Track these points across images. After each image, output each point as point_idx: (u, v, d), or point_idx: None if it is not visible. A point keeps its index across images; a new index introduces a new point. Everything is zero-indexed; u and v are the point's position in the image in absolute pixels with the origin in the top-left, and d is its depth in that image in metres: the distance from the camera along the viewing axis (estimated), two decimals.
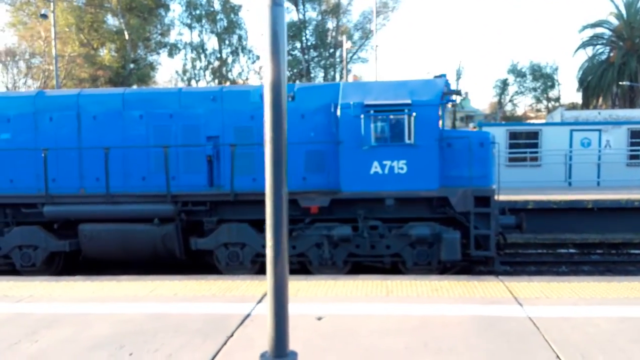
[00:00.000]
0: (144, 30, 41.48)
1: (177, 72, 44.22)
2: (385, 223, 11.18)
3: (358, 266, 11.47)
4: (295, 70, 43.58)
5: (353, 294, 6.60)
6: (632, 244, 14.18)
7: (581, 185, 18.52)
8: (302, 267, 11.46)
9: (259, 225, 11.35)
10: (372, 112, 10.82)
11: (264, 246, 11.27)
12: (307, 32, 43.18)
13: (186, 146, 11.45)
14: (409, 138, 10.75)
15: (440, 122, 12.19)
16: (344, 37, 33.86)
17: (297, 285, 6.98)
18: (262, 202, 11.04)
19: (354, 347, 4.85)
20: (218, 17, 43.62)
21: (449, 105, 14.49)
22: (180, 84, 43.75)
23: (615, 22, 45.41)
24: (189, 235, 11.60)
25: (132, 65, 42.91)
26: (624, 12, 44.50)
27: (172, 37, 44.08)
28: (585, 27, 45.75)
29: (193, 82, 43.10)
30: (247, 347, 4.80)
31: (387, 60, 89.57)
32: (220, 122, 11.49)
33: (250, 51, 44.59)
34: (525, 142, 19.70)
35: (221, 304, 6.18)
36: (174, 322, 5.53)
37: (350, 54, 44.61)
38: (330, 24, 43.65)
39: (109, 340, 5.00)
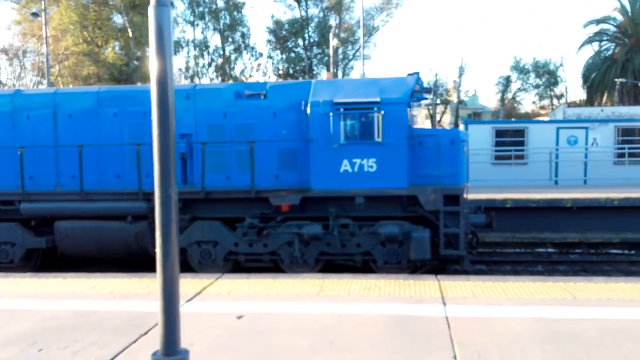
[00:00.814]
0: (147, 28, 41.67)
1: (179, 69, 44.51)
2: (357, 221, 11.19)
3: (330, 264, 11.51)
4: (297, 68, 43.62)
5: (286, 292, 6.67)
6: (611, 243, 14.06)
7: (567, 184, 18.39)
8: (275, 265, 11.51)
9: (232, 223, 11.44)
10: (341, 110, 10.82)
11: (236, 244, 11.39)
12: (310, 29, 43.14)
13: None
14: (378, 136, 10.75)
15: (426, 121, 12.20)
16: (331, 35, 33.77)
17: (235, 284, 7.06)
18: (234, 200, 11.10)
19: (258, 345, 4.92)
20: (221, 14, 43.74)
21: (432, 103, 14.44)
22: (184, 81, 43.93)
23: (621, 18, 44.87)
24: None
25: (135, 63, 43.16)
26: (628, 8, 43.95)
27: (176, 35, 44.18)
28: (590, 23, 45.26)
29: (196, 79, 43.28)
30: (157, 345, 4.85)
31: (390, 57, 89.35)
32: (193, 119, 11.56)
33: (253, 48, 44.71)
34: (511, 139, 19.59)
35: (151, 302, 6.25)
36: (96, 320, 5.64)
37: (353, 51, 44.65)
38: (333, 21, 43.58)
39: (26, 336, 5.11)
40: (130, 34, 42.14)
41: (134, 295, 6.69)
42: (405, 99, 10.83)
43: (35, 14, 30.94)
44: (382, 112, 10.68)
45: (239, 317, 5.61)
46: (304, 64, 43.20)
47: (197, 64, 43.79)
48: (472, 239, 11.88)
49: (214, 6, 43.83)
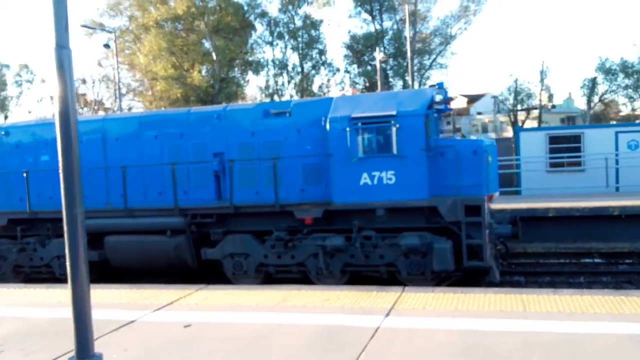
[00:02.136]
0: (230, 51, 43.65)
1: (260, 88, 46.14)
2: (381, 233, 11.30)
3: (358, 276, 11.67)
4: (373, 81, 43.85)
5: (247, 303, 7.02)
6: None
7: (630, 191, 17.19)
8: (304, 276, 11.85)
9: (262, 236, 11.94)
10: (359, 124, 11.03)
11: (265, 256, 11.86)
12: (385, 41, 43.29)
13: (195, 163, 12.28)
14: (395, 149, 10.83)
15: (443, 131, 12.17)
16: (377, 49, 33.55)
17: (209, 295, 7.50)
18: (262, 214, 11.62)
19: (183, 353, 5.27)
20: (298, 33, 44.97)
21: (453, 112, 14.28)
22: (265, 99, 45.51)
23: None
24: (203, 246, 12.40)
25: (220, 84, 45.27)
26: None
27: (257, 55, 45.97)
28: None
29: (276, 97, 44.70)
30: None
31: (469, 65, 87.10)
32: (224, 139, 12.21)
33: (330, 64, 45.55)
34: (566, 146, 18.64)
35: (129, 311, 6.78)
36: (65, 326, 6.25)
37: (430, 61, 44.23)
38: (408, 32, 43.42)
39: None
40: (215, 57, 44.29)
41: (116, 305, 7.32)
42: (421, 111, 10.85)
43: (107, 45, 33.49)
44: (398, 125, 10.76)
45: (186, 326, 6.03)
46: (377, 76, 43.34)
47: (276, 83, 45.23)
48: (502, 250, 11.59)
49: (291, 25, 45.14)
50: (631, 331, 5.49)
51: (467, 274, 11.38)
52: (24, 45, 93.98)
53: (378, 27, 43.18)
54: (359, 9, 42.76)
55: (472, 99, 70.29)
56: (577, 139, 18.75)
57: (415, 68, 43.67)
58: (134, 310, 6.94)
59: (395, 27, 43.29)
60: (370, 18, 42.94)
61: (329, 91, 45.35)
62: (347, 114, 11.13)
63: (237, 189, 11.93)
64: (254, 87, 49.69)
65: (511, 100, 44.94)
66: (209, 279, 12.08)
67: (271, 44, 45.60)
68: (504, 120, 51.10)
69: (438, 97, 11.56)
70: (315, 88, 45.91)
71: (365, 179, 11.09)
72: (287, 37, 45.95)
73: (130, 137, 12.82)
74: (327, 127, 11.24)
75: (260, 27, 44.95)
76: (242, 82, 47.08)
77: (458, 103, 73.74)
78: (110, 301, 7.68)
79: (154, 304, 7.27)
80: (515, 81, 44.75)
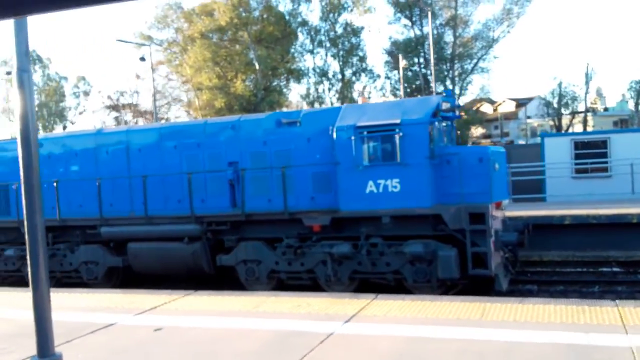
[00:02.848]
0: (272, 60, 44.42)
1: (300, 95, 46.73)
2: (387, 241, 11.40)
3: (367, 283, 11.81)
4: (414, 86, 43.73)
5: (224, 308, 7.40)
6: None
7: None
8: (315, 282, 12.07)
9: (274, 243, 12.24)
10: (365, 133, 11.20)
11: (277, 262, 12.16)
12: (426, 46, 43.05)
13: (211, 172, 12.72)
14: (399, 157, 10.94)
15: (449, 139, 12.20)
16: (400, 56, 33.25)
17: (190, 300, 7.93)
18: (273, 222, 12.01)
19: (135, 354, 5.58)
20: (339, 41, 45.33)
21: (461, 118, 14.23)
22: (306, 107, 46.02)
23: None
24: (219, 253, 12.82)
25: (262, 92, 46.08)
26: None
27: (298, 64, 46.55)
28: None
29: (316, 104, 45.15)
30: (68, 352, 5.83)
31: (512, 69, 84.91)
32: (238, 148, 12.60)
33: (370, 70, 45.66)
34: (592, 152, 18.10)
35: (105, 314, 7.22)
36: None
37: (472, 65, 43.68)
38: (450, 37, 43.13)
39: None
40: (257, 67, 45.14)
41: (104, 309, 7.79)
42: (425, 120, 10.92)
43: (142, 59, 34.69)
44: (402, 133, 10.87)
45: (156, 330, 6.38)
46: (418, 81, 43.16)
47: (316, 90, 45.71)
48: (510, 258, 11.49)
49: (332, 33, 45.56)
50: (573, 341, 5.51)
51: (476, 282, 11.35)
52: (81, 57, 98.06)
53: (418, 32, 42.97)
54: (398, 15, 42.76)
55: (521, 103, 68.91)
56: (603, 144, 18.22)
57: (457, 73, 43.28)
58: (118, 314, 7.45)
59: (435, 32, 42.96)
60: (410, 24, 42.82)
61: (369, 98, 45.40)
62: (353, 122, 11.32)
63: (251, 197, 12.29)
64: (296, 95, 50.09)
65: (555, 104, 43.83)
66: (225, 284, 12.51)
67: (312, 52, 46.12)
68: (549, 125, 49.88)
69: (445, 105, 11.59)
70: (355, 95, 46.11)
71: (371, 186, 11.24)
72: (328, 44, 46.38)
73: (151, 148, 13.39)
74: (334, 135, 11.46)
75: (301, 36, 45.54)
76: (284, 90, 47.76)
77: (506, 107, 72.40)
78: (100, 305, 8.27)
79: (138, 308, 7.74)
80: (560, 84, 43.64)
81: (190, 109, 51.29)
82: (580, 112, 43.53)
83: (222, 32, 45.45)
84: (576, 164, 18.25)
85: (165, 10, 48.46)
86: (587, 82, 41.95)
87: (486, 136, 68.84)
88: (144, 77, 53.29)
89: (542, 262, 13.26)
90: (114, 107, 64.31)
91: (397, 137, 10.95)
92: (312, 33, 45.30)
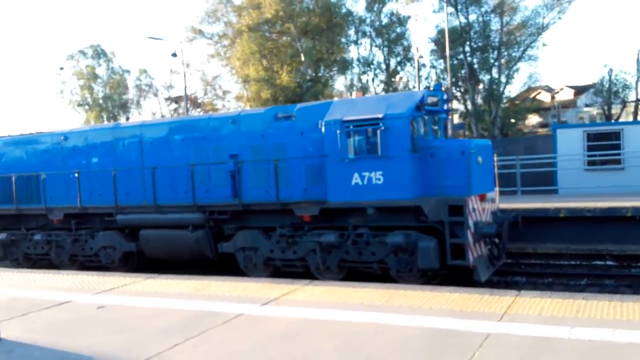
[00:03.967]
0: (317, 51, 44.91)
1: (345, 86, 46.97)
2: (374, 231, 11.77)
3: (355, 272, 12.22)
4: (459, 75, 43.14)
5: (168, 290, 8.25)
6: None
7: None
8: (307, 270, 12.60)
9: (270, 232, 12.84)
10: (351, 127, 11.57)
11: (272, 251, 12.77)
12: (472, 34, 42.34)
13: (214, 164, 13.43)
14: (382, 150, 11.25)
15: (439, 131, 12.38)
16: (416, 48, 32.73)
17: (150, 283, 8.74)
18: (270, 212, 12.63)
19: (66, 327, 6.28)
20: (384, 32, 45.25)
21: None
22: (349, 97, 46.30)
23: None
24: (221, 241, 13.55)
25: (308, 84, 46.69)
26: None
27: (342, 55, 46.79)
28: None
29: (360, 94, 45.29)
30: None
31: (562, 56, 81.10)
32: (239, 141, 13.25)
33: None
34: (605, 143, 17.53)
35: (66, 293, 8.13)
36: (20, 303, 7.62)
37: (519, 53, 42.57)
38: (497, 24, 42.18)
39: None
40: (303, 58, 45.74)
41: (68, 289, 8.72)
42: (406, 114, 11.18)
43: (174, 55, 35.84)
44: (384, 127, 11.17)
45: (99, 308, 7.13)
46: (464, 70, 42.53)
47: (360, 80, 45.86)
48: (494, 251, 11.61)
49: (377, 23, 45.53)
50: (444, 326, 5.93)
51: (460, 273, 11.55)
52: (143, 50, 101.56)
53: (464, 20, 42.29)
54: (443, 3, 42.15)
55: (579, 90, 66.42)
56: (616, 136, 17.66)
57: (503, 61, 42.35)
58: (77, 293, 8.50)
59: (480, 19, 42.19)
60: (455, 12, 42.17)
61: (414, 87, 45.19)
62: (339, 117, 11.72)
63: (249, 188, 12.93)
64: (341, 86, 50.37)
65: (604, 93, 42.15)
66: (227, 270, 13.22)
67: (356, 42, 46.27)
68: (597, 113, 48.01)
69: (431, 100, 11.80)
70: (400, 84, 45.96)
71: (356, 179, 11.63)
72: (373, 34, 46.37)
73: (162, 141, 14.25)
74: (322, 130, 11.89)
75: (346, 27, 45.72)
76: (330, 81, 48.18)
77: (564, 95, 69.93)
78: (67, 286, 9.46)
79: (97, 289, 8.70)
80: (610, 72, 41.91)
81: (240, 101, 52.53)
82: (632, 102, 41.68)
83: (269, 24, 46.26)
84: (588, 156, 17.82)
85: (216, 5, 49.84)
86: (639, 70, 39.99)
87: (543, 125, 66.83)
88: (191, 72, 55.10)
89: (536, 254, 13.24)
90: (174, 100, 66.75)
91: (379, 131, 11.26)
92: (357, 23, 45.37)
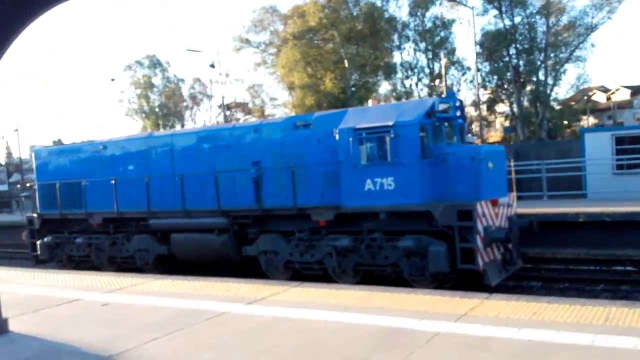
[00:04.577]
0: (360, 57, 45.30)
1: (388, 91, 47.15)
2: (387, 235, 12.07)
3: (372, 275, 12.53)
4: (505, 78, 42.59)
5: (178, 290, 8.74)
6: None
7: None
8: (325, 273, 12.99)
9: (290, 236, 13.32)
10: (363, 134, 11.93)
11: (291, 254, 13.25)
12: (517, 36, 41.71)
13: (238, 171, 14.03)
14: (392, 157, 11.55)
15: (455, 137, 12.56)
16: (442, 54, 32.14)
17: (157, 283, 9.33)
18: (288, 217, 13.24)
19: (67, 322, 6.87)
20: (428, 36, 45.22)
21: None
22: (393, 101, 46.42)
23: None
24: (247, 244, 14.13)
25: (352, 89, 47.12)
26: None
27: (386, 60, 46.97)
28: None
29: (403, 99, 45.36)
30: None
31: (612, 56, 77.54)
32: (260, 149, 13.81)
33: (460, 63, 45.09)
34: (635, 147, 17.01)
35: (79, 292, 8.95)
36: (39, 300, 8.33)
37: (566, 54, 41.64)
38: (543, 26, 41.42)
39: None
40: (346, 64, 46.23)
41: (82, 288, 9.47)
42: (416, 121, 11.45)
43: (212, 66, 36.83)
44: (394, 134, 11.47)
45: (104, 305, 7.75)
46: (509, 73, 41.94)
47: (403, 85, 45.93)
48: (506, 255, 11.68)
49: (420, 28, 45.55)
50: (398, 325, 6.23)
51: (474, 277, 11.68)
52: (196, 60, 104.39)
53: (509, 22, 41.72)
54: (487, 6, 41.78)
55: (636, 91, 64.14)
56: None
57: (550, 62, 41.53)
58: (89, 292, 9.23)
59: (525, 21, 41.52)
60: (499, 14, 41.68)
61: (459, 91, 44.96)
62: (352, 125, 12.10)
63: (270, 194, 13.47)
64: (385, 90, 50.59)
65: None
66: (251, 273, 13.79)
67: (399, 47, 46.40)
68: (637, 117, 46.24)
69: (442, 106, 12.00)
70: (443, 88, 45.74)
71: (369, 184, 11.97)
72: (417, 38, 46.39)
73: (191, 149, 14.99)
74: (337, 137, 12.29)
75: (390, 32, 45.94)
76: (373, 86, 48.46)
77: (620, 95, 67.60)
78: (85, 285, 10.24)
79: (108, 288, 9.46)
80: None
81: (287, 107, 53.47)
82: None
83: (313, 32, 46.98)
84: (617, 160, 17.41)
85: (262, 14, 51.02)
86: None
87: (599, 126, 64.92)
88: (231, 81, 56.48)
89: (555, 259, 13.16)
90: (227, 107, 68.54)
91: (389, 138, 11.56)
92: (401, 28, 45.52)
